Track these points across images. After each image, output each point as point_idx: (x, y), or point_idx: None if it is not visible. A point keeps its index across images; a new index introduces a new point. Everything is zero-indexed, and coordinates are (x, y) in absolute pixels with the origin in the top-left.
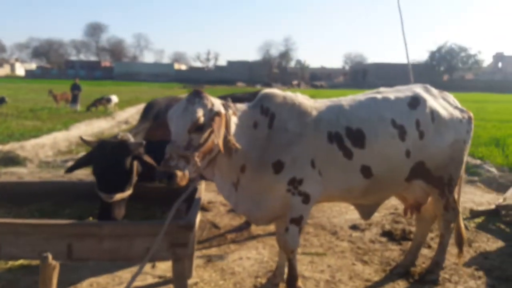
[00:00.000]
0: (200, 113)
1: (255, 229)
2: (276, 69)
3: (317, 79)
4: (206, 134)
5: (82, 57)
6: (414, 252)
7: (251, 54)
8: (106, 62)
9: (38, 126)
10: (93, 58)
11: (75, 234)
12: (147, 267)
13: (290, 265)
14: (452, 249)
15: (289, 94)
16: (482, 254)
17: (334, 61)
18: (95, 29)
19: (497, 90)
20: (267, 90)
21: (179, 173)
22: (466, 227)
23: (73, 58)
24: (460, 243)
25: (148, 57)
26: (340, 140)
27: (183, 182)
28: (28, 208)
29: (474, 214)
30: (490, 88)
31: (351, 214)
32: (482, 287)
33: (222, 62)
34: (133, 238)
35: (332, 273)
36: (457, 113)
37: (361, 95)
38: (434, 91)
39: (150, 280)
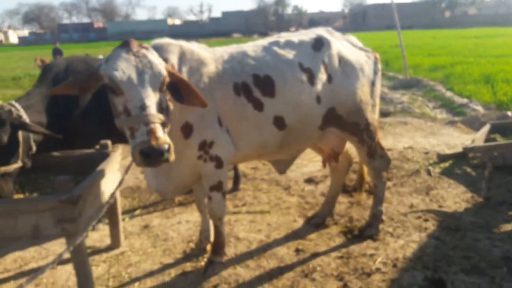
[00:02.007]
0: (163, 67)
1: None
2: (272, 16)
3: (316, 25)
4: (165, 92)
5: (74, 19)
6: (330, 202)
7: (246, 3)
8: (99, 23)
9: (17, 95)
10: (85, 19)
11: None
12: None
13: (217, 231)
14: (406, 199)
15: (185, 42)
16: (438, 202)
17: (333, 4)
18: None
19: (500, 24)
20: (159, 40)
21: (171, 144)
22: (429, 173)
23: (66, 21)
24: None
25: (141, 15)
26: (248, 91)
27: (174, 155)
28: None
29: (441, 158)
30: (494, 23)
31: (310, 167)
32: (424, 239)
33: (216, 13)
34: (15, 216)
35: (269, 232)
36: (362, 55)
37: (263, 40)
38: (337, 33)
39: None
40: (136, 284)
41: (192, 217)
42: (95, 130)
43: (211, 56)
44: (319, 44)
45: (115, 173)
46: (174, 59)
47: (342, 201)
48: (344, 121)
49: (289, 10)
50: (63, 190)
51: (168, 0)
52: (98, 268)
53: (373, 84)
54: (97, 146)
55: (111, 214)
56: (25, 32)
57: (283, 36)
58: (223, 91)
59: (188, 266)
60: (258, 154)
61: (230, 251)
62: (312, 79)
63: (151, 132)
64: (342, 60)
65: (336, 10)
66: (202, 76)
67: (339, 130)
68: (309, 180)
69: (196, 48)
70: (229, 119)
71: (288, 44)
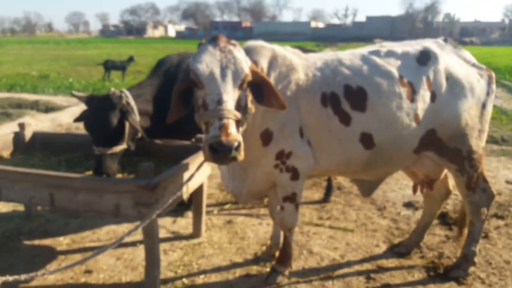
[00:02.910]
0: (246, 64)
1: None
2: (420, 23)
3: (468, 35)
4: (246, 91)
5: (226, 17)
6: (419, 232)
7: (393, 8)
8: (247, 23)
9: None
10: (235, 18)
11: (54, 184)
12: (170, 221)
13: (285, 242)
14: (504, 241)
15: (278, 47)
16: None
17: (491, 14)
18: None
19: None
20: (253, 42)
21: (242, 142)
22: None
23: (218, 19)
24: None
25: (286, 16)
26: (336, 102)
27: (243, 154)
28: (57, 158)
29: None
30: None
31: None
32: None
33: (361, 18)
34: (102, 193)
35: (345, 252)
36: (474, 72)
37: (362, 49)
38: (448, 46)
39: (162, 234)
40: (202, 276)
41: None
42: (193, 125)
43: (303, 63)
44: (425, 57)
45: (204, 166)
46: (264, 62)
47: (438, 233)
48: (444, 145)
49: (439, 18)
50: (145, 176)
51: (315, 3)
52: (174, 254)
53: (483, 106)
54: (193, 139)
55: (196, 205)
56: (182, 27)
57: (386, 46)
58: (309, 101)
59: (254, 269)
60: (340, 171)
61: (299, 263)
62: (412, 94)
63: (223, 127)
64: (450, 77)
65: (494, 20)
66: (290, 83)
67: (437, 156)
68: (408, 204)
69: (289, 53)
70: (312, 130)
71: (390, 55)
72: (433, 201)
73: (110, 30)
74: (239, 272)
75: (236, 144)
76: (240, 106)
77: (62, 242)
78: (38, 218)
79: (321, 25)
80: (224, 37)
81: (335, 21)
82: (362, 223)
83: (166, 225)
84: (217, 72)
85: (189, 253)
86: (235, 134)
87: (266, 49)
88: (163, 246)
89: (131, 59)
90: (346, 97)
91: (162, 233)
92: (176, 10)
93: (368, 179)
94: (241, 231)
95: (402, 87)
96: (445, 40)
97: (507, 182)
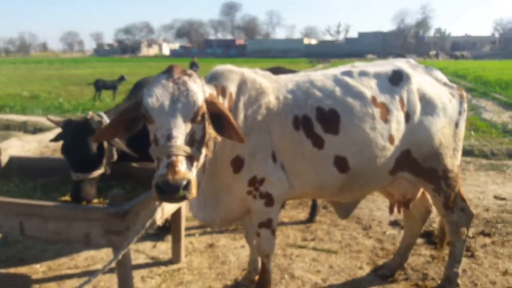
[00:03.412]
0: (200, 96)
1: (281, 216)
2: (412, 39)
3: (460, 49)
4: (204, 123)
5: (219, 35)
6: (402, 254)
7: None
8: (241, 40)
9: None
10: (229, 36)
11: (23, 212)
12: (149, 245)
13: (263, 268)
14: (503, 263)
15: (247, 70)
16: None
17: (482, 28)
18: (230, 8)
19: None
20: (221, 66)
21: (193, 180)
22: None
23: (211, 37)
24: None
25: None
26: (308, 125)
27: (196, 191)
28: (33, 183)
29: None
30: None
31: None
32: None
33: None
34: (71, 221)
35: (328, 275)
36: (445, 92)
37: (334, 69)
38: (419, 66)
39: (141, 260)
40: None
41: None
42: None
43: (274, 85)
44: (398, 77)
45: None
46: (232, 87)
47: (423, 254)
48: (419, 166)
49: (431, 33)
50: (115, 203)
51: (308, 19)
52: (152, 281)
53: (456, 125)
54: None
55: (174, 230)
56: (176, 46)
57: (358, 66)
58: (281, 125)
59: None
60: (315, 195)
61: (280, 286)
62: (385, 115)
63: (170, 165)
64: (422, 97)
65: (485, 34)
66: (260, 107)
67: (413, 176)
68: (395, 223)
69: (259, 76)
70: (285, 154)
71: (362, 75)
72: (413, 221)
73: (105, 49)
74: None
75: (184, 183)
76: (194, 140)
77: (38, 269)
78: (15, 244)
79: (314, 41)
80: (179, 67)
81: (328, 37)
82: (346, 243)
83: (145, 250)
84: (167, 105)
85: (167, 279)
86: (184, 172)
87: (235, 73)
88: (141, 272)
89: (122, 78)
90: (318, 120)
91: (141, 259)
92: (170, 28)
93: (344, 202)
94: (222, 255)
95: (375, 107)
96: (436, 55)
97: (495, 197)
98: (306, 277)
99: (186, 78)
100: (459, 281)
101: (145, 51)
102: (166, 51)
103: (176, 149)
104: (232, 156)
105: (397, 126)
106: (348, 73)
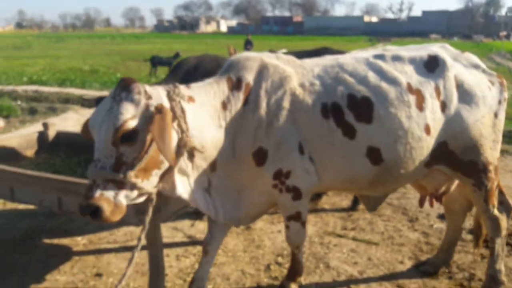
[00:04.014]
0: (126, 114)
1: (323, 202)
2: (480, 18)
3: None
4: (144, 143)
5: (277, 12)
6: (446, 250)
7: (451, 2)
8: (298, 17)
9: None
10: (286, 13)
11: (61, 188)
12: (188, 224)
13: (294, 259)
14: None
15: (268, 55)
16: None
17: None
18: None
19: None
20: (237, 56)
21: (106, 206)
22: None
23: (269, 14)
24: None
25: (339, 10)
26: (338, 113)
27: (116, 216)
28: (78, 158)
29: None
30: None
31: None
32: None
33: (417, 12)
34: None
35: (365, 268)
36: (484, 79)
37: (365, 52)
38: (455, 51)
39: (178, 238)
40: (210, 287)
41: None
42: None
43: (299, 71)
44: (434, 63)
45: None
46: (250, 76)
47: (473, 252)
48: (457, 158)
49: (502, 12)
50: None
51: None
52: (186, 260)
53: (495, 115)
54: None
55: None
56: (233, 23)
57: (390, 50)
58: (308, 113)
59: (264, 281)
60: (345, 187)
61: (314, 278)
62: (422, 104)
63: (85, 189)
64: (460, 85)
65: None
66: (285, 93)
67: (451, 170)
68: (443, 217)
69: (283, 60)
70: (313, 145)
71: (396, 59)
72: (455, 214)
73: (164, 25)
74: (249, 283)
75: (91, 210)
76: (123, 162)
77: (79, 242)
78: (60, 216)
79: (374, 19)
80: (129, 81)
81: (390, 15)
82: (389, 235)
83: (183, 228)
84: (98, 126)
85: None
86: (96, 198)
87: (252, 60)
88: (177, 251)
89: (177, 55)
90: (350, 108)
91: (179, 237)
92: (228, 5)
93: (374, 195)
94: (258, 239)
95: (410, 95)
96: (507, 36)
97: None
98: (342, 268)
99: (124, 95)
100: (504, 278)
101: (203, 28)
102: (223, 28)
103: (92, 173)
104: (254, 148)
105: (433, 115)
106: (381, 57)
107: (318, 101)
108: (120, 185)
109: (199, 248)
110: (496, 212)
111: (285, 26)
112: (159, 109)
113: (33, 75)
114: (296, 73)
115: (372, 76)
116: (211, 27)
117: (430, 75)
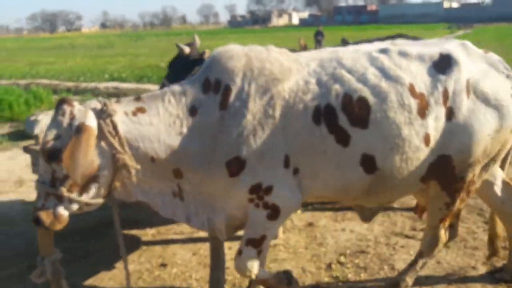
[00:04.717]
0: (50, 135)
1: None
2: None
3: None
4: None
5: (350, 1)
6: None
7: None
8: (372, 6)
9: None
10: (360, 2)
11: None
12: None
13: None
14: None
15: (255, 49)
16: None
17: None
18: None
19: None
20: (220, 50)
21: (45, 217)
22: None
23: (342, 3)
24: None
25: None
26: (331, 118)
27: (55, 226)
28: None
29: None
30: None
31: None
32: None
33: None
34: None
35: (433, 272)
36: (507, 86)
37: (369, 45)
38: (476, 50)
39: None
40: None
41: (359, 228)
42: None
43: (293, 66)
44: (445, 63)
45: None
46: (230, 78)
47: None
48: (454, 175)
49: None
50: None
51: None
52: None
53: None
54: None
55: None
56: (305, 14)
57: (399, 44)
58: (298, 118)
59: (325, 280)
60: (338, 197)
61: (377, 279)
62: (424, 110)
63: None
64: (474, 91)
65: None
66: (271, 99)
67: (440, 187)
68: None
69: (272, 56)
70: (301, 154)
71: (402, 55)
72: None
73: (238, 20)
74: (309, 281)
75: (34, 219)
76: (56, 178)
77: (148, 232)
78: (131, 206)
79: (455, 5)
80: (65, 100)
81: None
82: (462, 238)
83: (279, 242)
84: None
85: None
86: (38, 209)
87: (235, 59)
88: (238, 245)
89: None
90: (344, 111)
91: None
92: None
93: (368, 206)
94: (320, 236)
95: (412, 98)
96: None
97: None
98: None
99: (53, 116)
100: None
101: (275, 21)
102: (295, 20)
103: (36, 187)
104: (228, 156)
105: (436, 123)
106: (386, 51)
107: (310, 104)
108: (59, 198)
109: None
110: (442, 233)
111: (359, 15)
112: (78, 129)
113: (113, 72)
114: (288, 69)
115: (372, 74)
116: (283, 20)
117: (439, 77)
